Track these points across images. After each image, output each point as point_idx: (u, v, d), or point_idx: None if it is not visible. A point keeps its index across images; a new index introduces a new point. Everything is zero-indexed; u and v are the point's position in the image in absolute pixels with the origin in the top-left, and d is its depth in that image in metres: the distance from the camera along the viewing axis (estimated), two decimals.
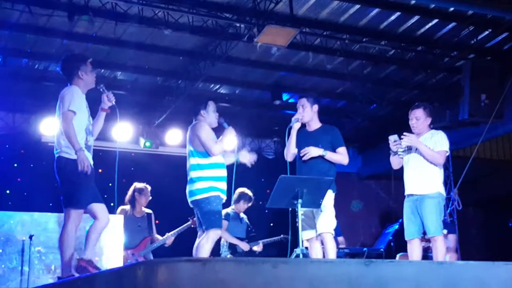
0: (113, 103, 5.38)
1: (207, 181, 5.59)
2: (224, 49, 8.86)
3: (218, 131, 5.88)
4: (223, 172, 5.71)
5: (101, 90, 5.41)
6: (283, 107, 11.02)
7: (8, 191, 9.99)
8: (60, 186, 5.10)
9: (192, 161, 5.70)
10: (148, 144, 10.86)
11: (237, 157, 5.98)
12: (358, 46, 9.15)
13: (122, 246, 7.67)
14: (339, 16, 8.57)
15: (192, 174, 5.67)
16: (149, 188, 8.03)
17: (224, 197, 5.69)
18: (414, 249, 5.94)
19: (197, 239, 5.71)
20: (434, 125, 6.20)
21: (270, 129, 12.09)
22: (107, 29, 8.28)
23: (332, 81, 10.57)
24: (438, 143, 5.98)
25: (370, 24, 8.77)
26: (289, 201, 5.59)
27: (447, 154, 6.07)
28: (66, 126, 4.98)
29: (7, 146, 10.26)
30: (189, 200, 5.69)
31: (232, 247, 8.12)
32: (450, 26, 8.90)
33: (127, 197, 7.94)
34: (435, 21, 8.75)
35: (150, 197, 8.04)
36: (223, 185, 5.68)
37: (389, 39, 9.01)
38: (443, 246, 5.88)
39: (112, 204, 9.20)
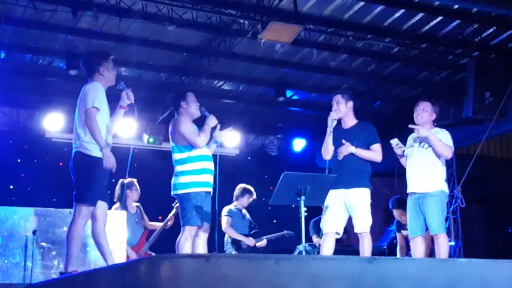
0: (132, 101, 5.37)
1: (189, 175, 5.56)
2: (228, 45, 8.86)
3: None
4: (208, 164, 5.66)
5: (121, 87, 5.38)
6: (287, 103, 11.01)
7: (11, 187, 10.00)
8: (74, 181, 5.08)
9: (175, 156, 5.71)
10: (151, 140, 10.86)
11: (216, 141, 5.93)
12: (362, 43, 9.13)
13: (125, 241, 7.69)
14: (343, 13, 8.55)
15: (176, 168, 5.67)
16: (135, 181, 7.98)
17: (208, 190, 5.63)
18: (417, 246, 5.94)
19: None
20: (437, 123, 6.20)
21: (274, 126, 12.08)
22: (111, 24, 8.28)
23: (336, 78, 10.56)
24: (443, 140, 5.97)
25: (375, 21, 8.75)
26: (293, 198, 5.59)
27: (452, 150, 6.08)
28: (90, 123, 4.97)
29: (10, 141, 10.27)
30: (172, 193, 5.69)
31: (236, 244, 8.14)
32: (455, 23, 8.88)
33: (117, 194, 7.90)
34: (440, 18, 8.73)
35: (139, 189, 8.06)
36: (207, 178, 5.63)
37: (393, 36, 8.99)
38: (446, 244, 5.87)
39: (115, 199, 9.22)
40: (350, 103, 6.04)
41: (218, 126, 5.87)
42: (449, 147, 5.95)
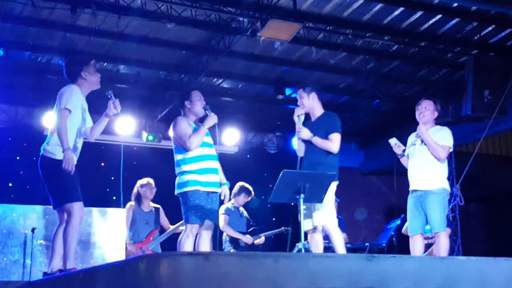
0: (119, 111, 5.35)
1: (187, 175, 5.53)
2: (227, 43, 8.85)
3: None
4: (210, 164, 5.61)
5: (109, 96, 5.36)
6: (286, 101, 10.99)
7: (10, 184, 9.99)
8: (48, 187, 5.11)
9: (175, 157, 5.68)
10: (150, 138, 10.87)
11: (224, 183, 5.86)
12: (361, 41, 9.13)
13: (124, 239, 7.72)
14: (342, 11, 8.55)
15: (177, 170, 5.65)
16: (151, 180, 8.11)
17: (210, 190, 5.58)
18: (416, 244, 5.94)
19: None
20: (437, 121, 6.21)
21: (273, 124, 12.08)
22: (110, 22, 8.26)
23: (335, 76, 10.56)
24: (443, 138, 5.98)
25: (374, 19, 8.75)
26: (292, 195, 5.59)
27: (450, 150, 6.07)
28: (59, 124, 5.00)
29: (9, 139, 10.26)
30: (175, 193, 5.67)
31: (235, 242, 8.13)
32: (454, 21, 8.88)
33: (133, 194, 8.05)
34: (439, 16, 8.73)
35: (155, 188, 8.10)
36: (209, 177, 5.57)
37: (392, 34, 8.99)
38: (446, 242, 5.89)
39: (114, 197, 9.24)
40: (313, 95, 5.98)
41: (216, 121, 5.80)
42: (442, 148, 5.93)
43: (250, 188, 8.34)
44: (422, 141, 6.01)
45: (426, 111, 6.06)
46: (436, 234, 5.88)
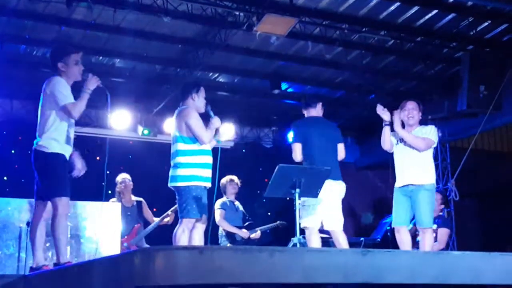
0: (100, 85, 5.22)
1: (190, 168, 5.55)
2: (223, 37, 8.83)
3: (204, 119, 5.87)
4: (209, 159, 5.67)
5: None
6: (282, 96, 11.00)
7: (5, 178, 9.99)
8: (39, 180, 5.14)
9: (177, 146, 5.67)
10: (146, 132, 10.85)
11: (218, 140, 5.97)
12: (357, 36, 9.12)
13: (119, 233, 7.71)
14: (338, 5, 8.54)
15: (176, 159, 5.63)
16: (126, 175, 8.28)
17: (207, 185, 5.64)
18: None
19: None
20: (432, 116, 6.26)
21: (269, 118, 12.08)
22: (105, 16, 8.24)
23: (331, 71, 10.56)
24: (427, 133, 6.06)
25: (370, 14, 8.75)
26: (287, 190, 5.60)
27: (434, 144, 6.11)
28: (72, 117, 5.09)
29: (4, 132, 10.24)
30: (169, 185, 5.66)
31: (231, 236, 8.13)
32: (450, 17, 8.88)
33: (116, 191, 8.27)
34: (435, 11, 8.73)
35: (131, 183, 8.23)
36: (207, 173, 5.63)
37: (388, 29, 8.99)
38: (420, 239, 5.95)
39: (110, 191, 9.23)
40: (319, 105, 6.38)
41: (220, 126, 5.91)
42: (423, 139, 5.99)
43: (232, 177, 8.33)
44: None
45: (413, 111, 6.11)
46: (423, 229, 5.95)
